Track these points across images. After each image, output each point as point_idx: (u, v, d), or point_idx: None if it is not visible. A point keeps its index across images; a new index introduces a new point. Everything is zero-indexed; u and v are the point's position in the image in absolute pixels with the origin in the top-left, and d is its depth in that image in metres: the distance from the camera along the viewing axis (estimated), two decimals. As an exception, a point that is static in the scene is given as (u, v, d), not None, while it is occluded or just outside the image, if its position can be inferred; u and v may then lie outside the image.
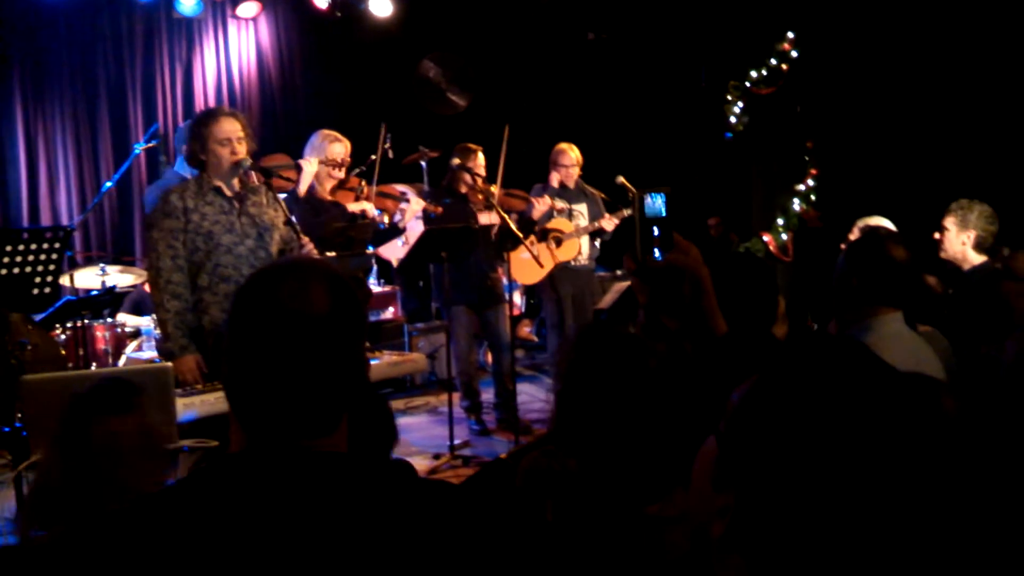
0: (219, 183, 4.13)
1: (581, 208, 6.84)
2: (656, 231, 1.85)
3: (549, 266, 6.67)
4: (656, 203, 1.85)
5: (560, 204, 6.68)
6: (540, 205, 6.40)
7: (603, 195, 6.91)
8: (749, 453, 1.15)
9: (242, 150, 4.15)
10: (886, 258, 2.86)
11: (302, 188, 5.20)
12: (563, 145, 6.84)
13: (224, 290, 4.03)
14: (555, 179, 6.72)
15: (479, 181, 6.15)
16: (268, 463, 1.30)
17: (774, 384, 1.16)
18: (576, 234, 6.77)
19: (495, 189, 6.24)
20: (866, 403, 1.12)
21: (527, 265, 6.49)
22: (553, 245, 6.70)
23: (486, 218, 6.18)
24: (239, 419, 1.35)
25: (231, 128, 4.13)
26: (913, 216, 5.41)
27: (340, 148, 5.59)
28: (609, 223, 6.74)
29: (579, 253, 6.86)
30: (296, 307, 1.31)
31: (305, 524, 1.25)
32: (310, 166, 5.29)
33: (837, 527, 1.12)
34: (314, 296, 1.33)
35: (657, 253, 1.84)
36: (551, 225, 6.72)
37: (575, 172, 6.79)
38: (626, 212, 6.71)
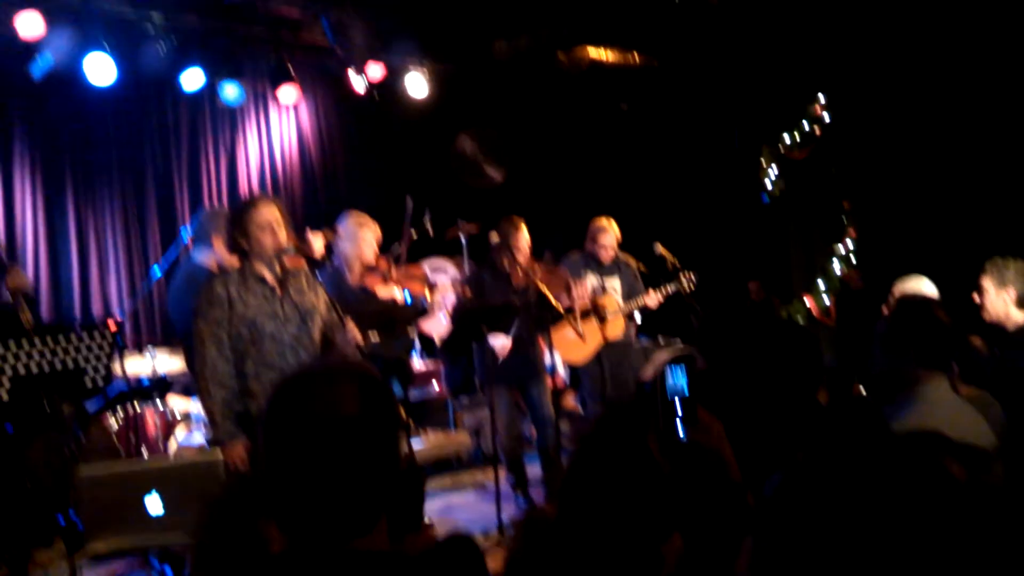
0: (262, 270, 4.22)
1: (614, 283, 6.78)
2: (679, 407, 1.86)
3: (596, 343, 6.60)
4: (678, 378, 1.86)
5: (592, 281, 6.65)
6: (580, 290, 6.37)
7: (640, 265, 6.87)
8: (782, 548, 1.16)
9: (283, 234, 4.24)
10: (929, 325, 2.86)
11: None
12: (603, 222, 6.74)
13: (269, 377, 4.08)
14: (583, 289, 6.45)
15: (519, 259, 6.11)
16: (308, 565, 1.33)
17: (804, 481, 1.17)
18: (622, 311, 6.72)
19: (537, 269, 6.24)
20: (899, 499, 1.13)
21: (573, 343, 6.45)
22: (599, 322, 6.64)
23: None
24: (277, 522, 1.38)
25: (270, 214, 4.23)
26: (955, 271, 5.37)
27: (370, 234, 5.67)
28: (653, 299, 6.69)
29: (626, 330, 6.82)
30: (327, 411, 1.35)
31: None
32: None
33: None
34: (344, 399, 1.36)
35: (680, 429, 1.85)
36: (598, 302, 6.68)
37: (612, 252, 6.74)
38: (670, 288, 6.68)
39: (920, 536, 1.12)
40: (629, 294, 6.77)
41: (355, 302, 5.40)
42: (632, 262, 6.88)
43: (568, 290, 6.34)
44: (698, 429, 1.86)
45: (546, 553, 1.99)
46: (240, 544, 2.12)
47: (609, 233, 6.70)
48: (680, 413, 1.86)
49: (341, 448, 1.35)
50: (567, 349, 6.65)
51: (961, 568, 1.14)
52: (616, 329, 6.71)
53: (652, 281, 6.79)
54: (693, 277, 6.68)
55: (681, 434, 1.85)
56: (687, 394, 1.86)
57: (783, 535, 1.16)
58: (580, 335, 6.16)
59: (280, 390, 1.42)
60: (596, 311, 6.63)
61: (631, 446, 1.99)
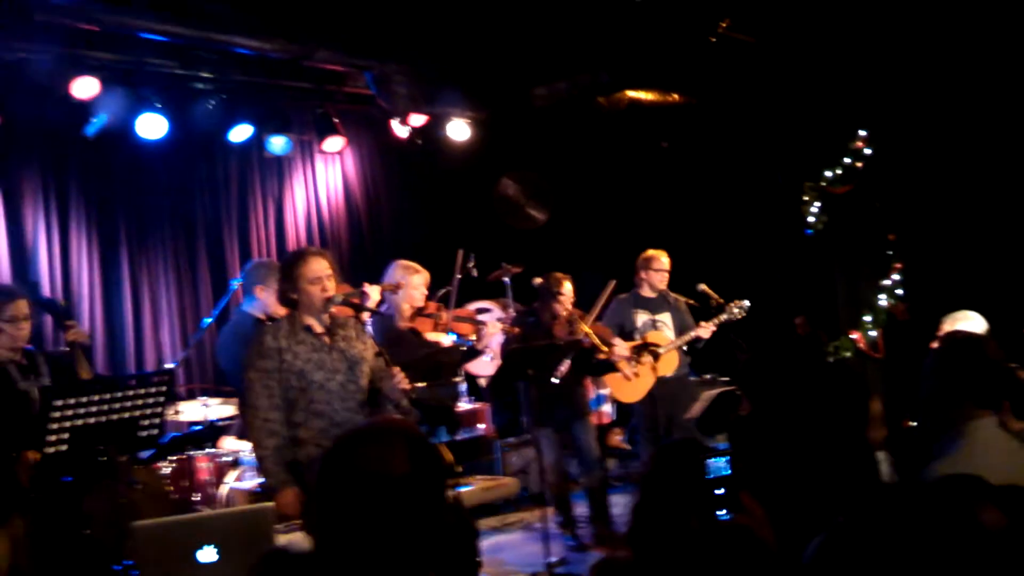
0: (310, 321, 4.31)
1: (664, 318, 6.81)
2: (722, 491, 1.89)
3: (650, 382, 6.61)
4: (719, 464, 1.89)
5: (643, 318, 6.69)
6: (619, 350, 6.39)
7: (690, 300, 6.92)
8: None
9: (332, 287, 4.34)
10: (978, 364, 2.85)
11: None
12: (652, 251, 6.90)
13: (318, 425, 4.16)
14: (623, 348, 6.50)
15: (564, 309, 6.16)
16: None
17: (843, 546, 1.19)
18: (673, 346, 6.73)
19: (585, 317, 6.26)
20: (931, 561, 1.14)
21: (626, 383, 6.47)
22: (651, 359, 6.64)
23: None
24: None
25: (320, 267, 4.33)
26: (1002, 303, 5.31)
27: (419, 279, 5.76)
28: (706, 331, 6.69)
29: (679, 365, 6.82)
30: (378, 471, 1.40)
31: None
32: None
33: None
34: (395, 459, 1.41)
35: (724, 513, 1.87)
36: (648, 339, 6.70)
37: (665, 277, 6.81)
38: (723, 317, 6.69)
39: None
40: (681, 329, 6.78)
41: (403, 344, 5.48)
42: (681, 298, 6.92)
43: (612, 341, 6.38)
44: (742, 514, 1.87)
45: None
46: None
47: (661, 260, 6.82)
48: (723, 496, 1.87)
49: (391, 507, 1.39)
50: (620, 389, 6.67)
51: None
52: (669, 366, 6.72)
53: (699, 317, 6.81)
54: (745, 304, 6.70)
55: (723, 516, 1.87)
56: (729, 477, 1.88)
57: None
58: (629, 377, 6.20)
59: (331, 451, 1.47)
60: (648, 349, 6.64)
61: (692, 487, 2.00)
